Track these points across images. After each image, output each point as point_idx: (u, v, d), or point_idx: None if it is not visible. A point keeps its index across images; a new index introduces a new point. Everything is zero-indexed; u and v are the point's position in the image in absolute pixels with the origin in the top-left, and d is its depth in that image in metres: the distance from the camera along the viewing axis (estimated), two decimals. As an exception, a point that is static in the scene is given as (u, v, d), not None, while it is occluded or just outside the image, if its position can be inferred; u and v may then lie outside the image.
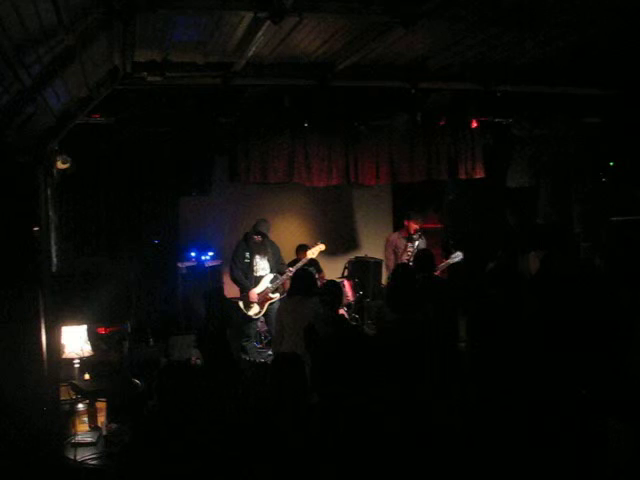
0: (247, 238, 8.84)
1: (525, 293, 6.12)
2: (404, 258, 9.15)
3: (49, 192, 6.16)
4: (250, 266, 8.80)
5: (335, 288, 6.37)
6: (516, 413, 4.65)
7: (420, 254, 7.78)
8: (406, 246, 9.26)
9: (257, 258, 8.82)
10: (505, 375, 4.93)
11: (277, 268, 8.91)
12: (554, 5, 5.09)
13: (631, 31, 5.77)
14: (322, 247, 9.07)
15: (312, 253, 8.97)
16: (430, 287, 6.82)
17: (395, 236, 9.48)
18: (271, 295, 8.78)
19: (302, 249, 9.33)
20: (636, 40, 6.03)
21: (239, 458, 4.15)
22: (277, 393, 4.50)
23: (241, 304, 8.79)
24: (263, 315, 8.86)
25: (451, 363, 5.36)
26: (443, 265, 8.93)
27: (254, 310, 8.75)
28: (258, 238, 8.76)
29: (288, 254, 9.33)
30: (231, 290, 9.29)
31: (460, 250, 9.00)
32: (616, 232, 9.18)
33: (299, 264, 8.84)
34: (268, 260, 8.86)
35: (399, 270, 6.32)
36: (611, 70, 7.15)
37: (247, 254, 8.79)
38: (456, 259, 8.90)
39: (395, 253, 9.27)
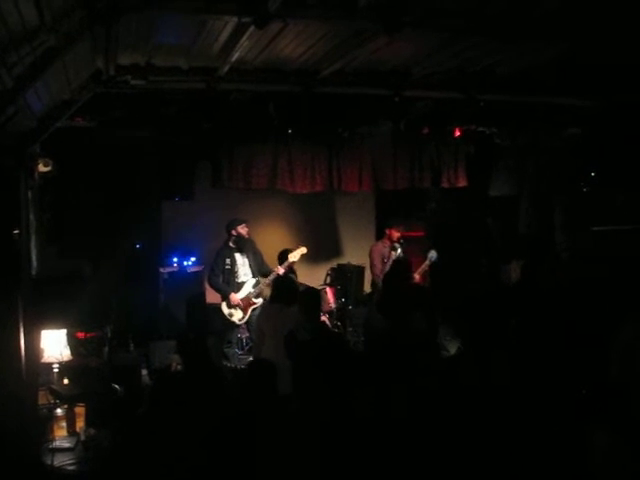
0: (236, 239, 8.74)
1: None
2: (388, 266, 9.17)
3: (30, 195, 6.11)
4: (231, 272, 8.74)
5: (313, 295, 6.36)
6: (506, 419, 4.68)
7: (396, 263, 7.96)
8: (390, 254, 9.30)
9: (238, 264, 8.76)
10: (495, 381, 4.96)
11: (260, 271, 8.86)
12: (536, 16, 5.13)
13: (613, 42, 5.82)
14: (304, 250, 9.03)
15: (294, 256, 8.93)
16: (415, 294, 6.86)
17: (380, 245, 9.48)
18: (254, 300, 8.72)
19: (285, 254, 9.28)
20: (618, 51, 6.09)
21: (221, 463, 4.14)
22: (252, 399, 4.50)
23: (224, 311, 8.71)
24: (245, 321, 8.81)
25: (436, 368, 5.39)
26: (423, 267, 9.25)
27: (237, 316, 8.69)
28: (246, 230, 8.73)
29: (270, 260, 9.28)
30: (213, 296, 9.25)
31: (434, 249, 9.34)
32: (597, 242, 9.25)
33: (284, 264, 8.79)
34: (250, 265, 8.81)
35: (390, 277, 6.37)
36: (593, 81, 7.20)
37: (228, 260, 8.72)
38: (433, 258, 9.25)
39: (382, 261, 9.29)
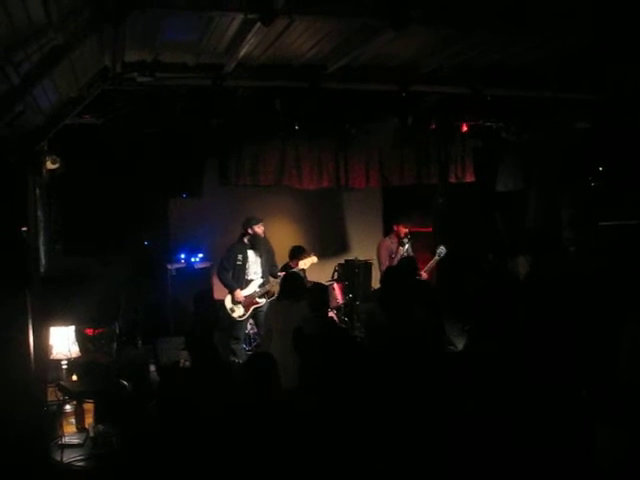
0: (251, 237, 8.73)
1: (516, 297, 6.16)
2: (396, 262, 9.17)
3: (38, 192, 6.13)
4: (242, 269, 8.73)
5: (321, 291, 6.36)
6: (512, 414, 4.67)
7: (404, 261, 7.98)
8: (398, 250, 9.30)
9: (250, 261, 8.76)
10: (500, 376, 4.95)
11: (270, 271, 8.87)
12: (542, 11, 5.11)
13: (620, 37, 5.80)
14: (314, 259, 9.04)
15: (304, 264, 8.94)
16: (418, 290, 6.86)
17: (388, 241, 9.49)
18: (257, 300, 8.71)
19: (296, 253, 9.27)
20: (625, 46, 6.06)
21: (230, 459, 4.15)
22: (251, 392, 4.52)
23: (227, 305, 8.71)
24: (252, 318, 8.81)
25: (441, 364, 5.38)
26: (432, 263, 9.21)
27: (238, 312, 8.68)
28: (262, 229, 8.74)
29: (277, 256, 9.29)
30: (220, 292, 9.26)
31: (443, 245, 9.27)
32: (605, 237, 9.22)
33: (292, 271, 8.79)
34: (261, 263, 8.80)
35: (391, 272, 6.36)
36: (600, 75, 7.17)
37: (240, 256, 8.72)
38: (442, 254, 9.20)
39: (390, 257, 9.29)
